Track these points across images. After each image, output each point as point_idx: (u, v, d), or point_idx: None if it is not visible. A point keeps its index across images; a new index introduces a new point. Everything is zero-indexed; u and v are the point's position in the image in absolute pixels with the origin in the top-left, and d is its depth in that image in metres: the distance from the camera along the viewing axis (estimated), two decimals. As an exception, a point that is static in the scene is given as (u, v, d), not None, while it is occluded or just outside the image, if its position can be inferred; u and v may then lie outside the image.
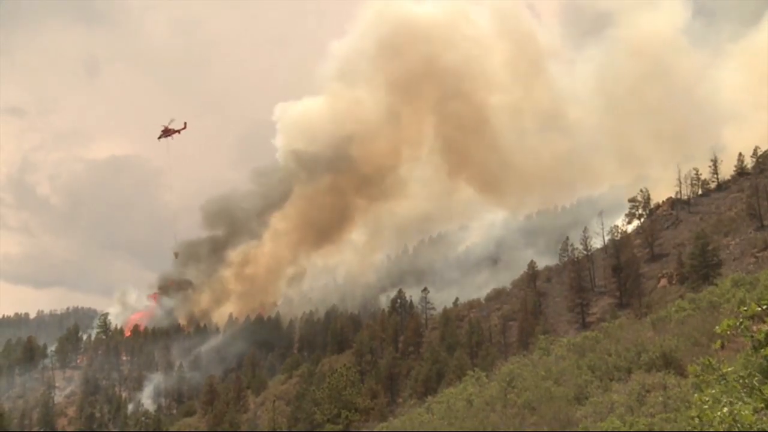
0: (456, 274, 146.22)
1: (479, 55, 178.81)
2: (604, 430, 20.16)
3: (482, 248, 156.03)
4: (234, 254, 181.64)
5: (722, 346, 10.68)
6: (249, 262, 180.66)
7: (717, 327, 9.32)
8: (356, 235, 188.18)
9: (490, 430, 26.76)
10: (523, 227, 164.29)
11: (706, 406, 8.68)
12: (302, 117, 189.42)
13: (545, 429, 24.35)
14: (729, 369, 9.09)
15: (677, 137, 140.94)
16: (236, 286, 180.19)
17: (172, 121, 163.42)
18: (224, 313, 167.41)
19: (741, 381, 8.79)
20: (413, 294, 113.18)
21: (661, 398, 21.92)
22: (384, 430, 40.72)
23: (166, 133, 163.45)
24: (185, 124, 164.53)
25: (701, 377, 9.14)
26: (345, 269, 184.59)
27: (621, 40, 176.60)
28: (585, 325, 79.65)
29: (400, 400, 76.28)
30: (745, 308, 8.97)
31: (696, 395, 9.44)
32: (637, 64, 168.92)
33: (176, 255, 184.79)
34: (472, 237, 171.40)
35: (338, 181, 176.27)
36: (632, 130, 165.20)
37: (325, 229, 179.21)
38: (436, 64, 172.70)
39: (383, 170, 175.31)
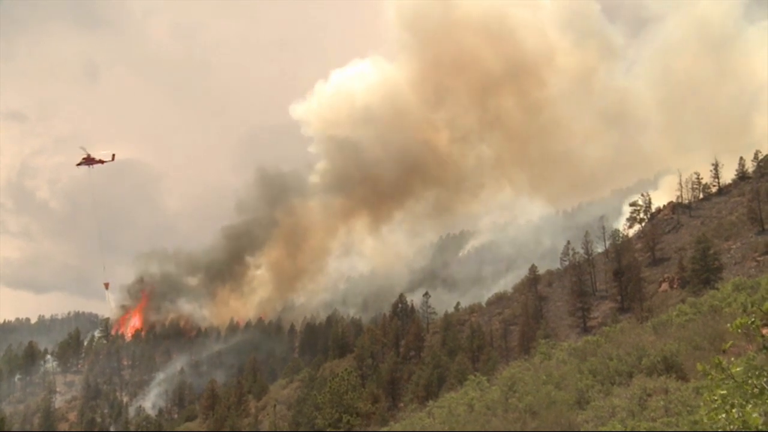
0: (494, 271, 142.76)
1: (539, 44, 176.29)
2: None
3: (526, 245, 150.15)
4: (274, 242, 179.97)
5: (723, 351, 10.70)
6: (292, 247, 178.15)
7: (729, 325, 9.34)
8: (390, 227, 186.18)
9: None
10: (570, 223, 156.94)
11: (715, 406, 8.68)
12: (344, 99, 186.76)
13: (546, 433, 24.31)
14: (738, 369, 9.08)
15: (740, 129, 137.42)
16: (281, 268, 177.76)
17: (82, 148, 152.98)
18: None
19: (749, 382, 8.80)
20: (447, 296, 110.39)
21: (662, 402, 21.90)
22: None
23: (88, 161, 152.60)
24: (113, 156, 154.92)
25: (710, 376, 9.13)
26: (372, 266, 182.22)
27: (679, 30, 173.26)
28: (586, 330, 79.58)
29: (402, 404, 76.12)
30: (760, 307, 9.00)
31: (705, 394, 9.44)
32: (695, 54, 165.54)
33: (107, 286, 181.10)
34: (519, 233, 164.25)
35: (379, 173, 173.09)
36: (689, 122, 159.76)
37: (363, 218, 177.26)
38: (493, 52, 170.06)
39: (430, 160, 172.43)
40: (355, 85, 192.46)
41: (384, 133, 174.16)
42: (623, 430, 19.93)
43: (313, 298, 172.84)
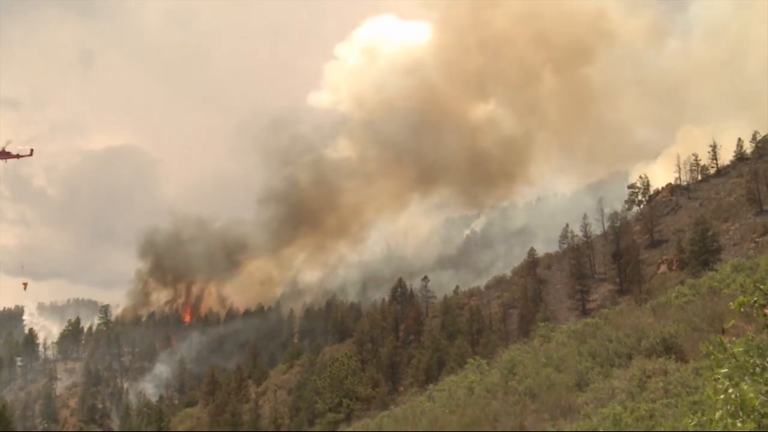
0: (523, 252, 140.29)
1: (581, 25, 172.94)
2: (605, 415, 20.16)
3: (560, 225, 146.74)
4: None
5: (723, 331, 10.63)
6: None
7: (731, 303, 9.24)
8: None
9: (491, 417, 26.78)
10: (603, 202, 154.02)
11: (719, 386, 8.61)
12: (362, 71, 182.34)
13: (546, 416, 24.36)
14: (739, 349, 9.00)
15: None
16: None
17: (8, 143, 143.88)
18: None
19: (751, 361, 8.73)
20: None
21: (661, 384, 21.91)
22: (385, 421, 40.78)
23: (2, 155, 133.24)
24: (32, 151, 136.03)
25: (712, 356, 9.06)
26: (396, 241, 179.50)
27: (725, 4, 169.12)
28: (585, 312, 79.71)
29: (402, 388, 76.39)
30: (762, 285, 8.91)
31: (708, 374, 9.36)
32: (741, 27, 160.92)
33: (25, 285, 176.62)
34: (555, 212, 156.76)
35: (405, 152, 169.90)
36: (735, 97, 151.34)
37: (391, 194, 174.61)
38: (538, 30, 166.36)
39: (459, 137, 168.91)
40: (373, 57, 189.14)
41: (410, 111, 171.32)
42: (623, 411, 19.94)
43: (329, 280, 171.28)
